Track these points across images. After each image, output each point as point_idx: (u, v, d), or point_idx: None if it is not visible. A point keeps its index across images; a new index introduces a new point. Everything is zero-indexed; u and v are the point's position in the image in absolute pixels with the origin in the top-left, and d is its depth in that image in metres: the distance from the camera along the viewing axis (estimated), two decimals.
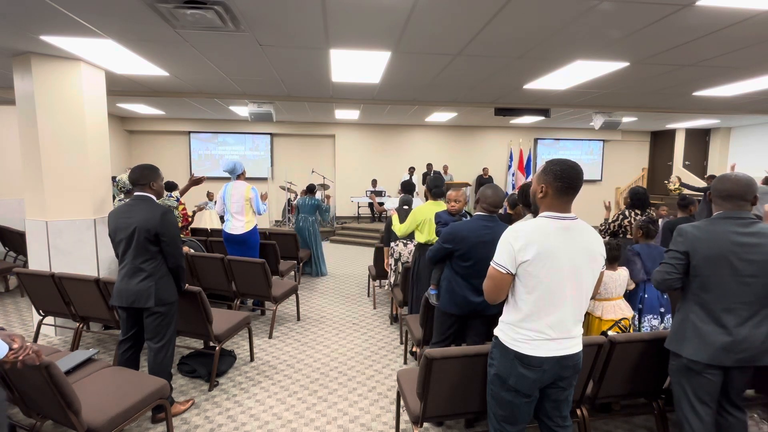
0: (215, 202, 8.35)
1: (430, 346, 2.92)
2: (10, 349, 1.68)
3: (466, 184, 9.86)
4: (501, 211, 2.74)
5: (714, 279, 1.92)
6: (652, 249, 3.09)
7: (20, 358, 1.74)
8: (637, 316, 3.01)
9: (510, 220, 4.98)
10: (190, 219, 5.26)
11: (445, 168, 10.84)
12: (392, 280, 4.58)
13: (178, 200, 4.87)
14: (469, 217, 3.11)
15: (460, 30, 3.29)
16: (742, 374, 2.01)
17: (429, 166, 10.57)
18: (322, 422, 2.80)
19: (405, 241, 4.45)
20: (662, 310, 2.99)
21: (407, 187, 5.02)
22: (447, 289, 2.72)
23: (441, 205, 3.68)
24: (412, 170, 10.58)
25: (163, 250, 2.66)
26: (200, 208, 7.32)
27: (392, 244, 4.55)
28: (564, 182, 1.67)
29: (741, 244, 1.88)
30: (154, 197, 2.72)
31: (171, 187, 5.27)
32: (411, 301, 3.81)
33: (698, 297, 1.99)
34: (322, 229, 9.87)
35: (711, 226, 1.96)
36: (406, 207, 4.56)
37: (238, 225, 4.71)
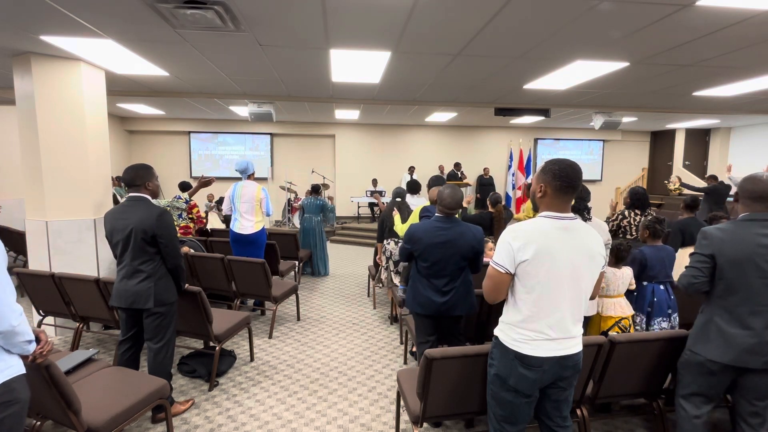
0: (216, 202, 8.38)
1: (417, 348, 2.91)
2: (37, 343, 1.69)
3: (467, 185, 9.86)
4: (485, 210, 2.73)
5: (740, 282, 1.91)
6: (660, 250, 3.04)
7: (44, 353, 1.75)
8: (645, 320, 3.00)
9: (491, 218, 4.99)
10: (204, 221, 5.25)
11: (441, 168, 10.82)
12: (383, 276, 4.58)
13: (187, 202, 4.87)
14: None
15: (460, 30, 3.29)
16: (761, 377, 1.97)
17: (457, 165, 10.55)
18: (322, 422, 2.80)
19: (397, 240, 4.44)
20: (670, 311, 2.99)
21: (413, 187, 5.02)
22: (411, 287, 2.73)
23: None
24: (412, 169, 10.57)
25: (161, 251, 2.65)
26: (211, 208, 7.32)
27: (384, 242, 4.56)
28: (563, 181, 1.67)
29: (767, 246, 1.87)
30: (149, 197, 2.70)
31: (185, 187, 5.27)
32: None
33: (723, 300, 1.97)
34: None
35: (736, 229, 1.94)
36: (399, 199, 4.57)
37: (247, 225, 4.70)
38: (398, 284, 3.02)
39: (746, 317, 1.92)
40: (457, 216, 2.71)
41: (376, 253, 5.03)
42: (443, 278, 2.62)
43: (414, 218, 3.73)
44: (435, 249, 2.57)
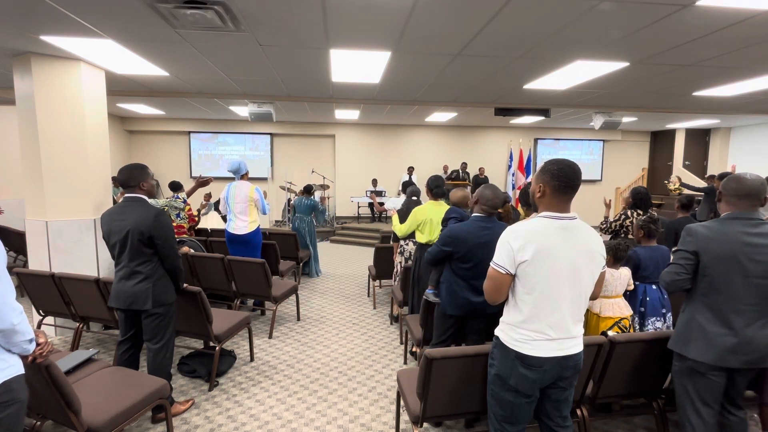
0: (214, 203, 8.37)
1: (430, 347, 2.91)
2: (37, 344, 1.68)
3: (467, 184, 9.86)
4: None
5: (723, 280, 1.91)
6: (654, 251, 3.04)
7: (44, 353, 1.75)
8: (638, 319, 3.00)
9: (499, 218, 4.98)
10: (196, 219, 5.25)
11: (446, 168, 10.85)
12: (400, 277, 4.55)
13: (185, 201, 4.86)
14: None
15: (460, 30, 3.29)
16: (745, 376, 2.01)
17: (463, 165, 10.53)
18: (322, 422, 2.81)
19: (415, 241, 4.40)
20: (664, 311, 2.98)
21: (416, 189, 5.00)
22: (448, 290, 2.71)
23: (442, 205, 3.67)
24: (411, 170, 10.58)
25: (159, 252, 2.64)
26: (204, 206, 7.30)
27: (401, 242, 4.51)
28: (561, 181, 1.67)
29: (751, 245, 1.88)
30: (146, 198, 2.69)
31: (176, 187, 5.25)
32: (412, 301, 3.81)
33: (706, 298, 1.97)
34: (322, 230, 9.88)
35: (721, 227, 1.95)
36: (414, 198, 4.52)
37: (241, 225, 4.70)
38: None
39: (728, 316, 1.92)
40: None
41: (381, 257, 5.03)
42: (482, 278, 2.61)
43: (415, 219, 3.71)
44: (479, 249, 2.56)
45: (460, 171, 10.47)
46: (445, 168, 10.77)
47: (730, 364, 1.93)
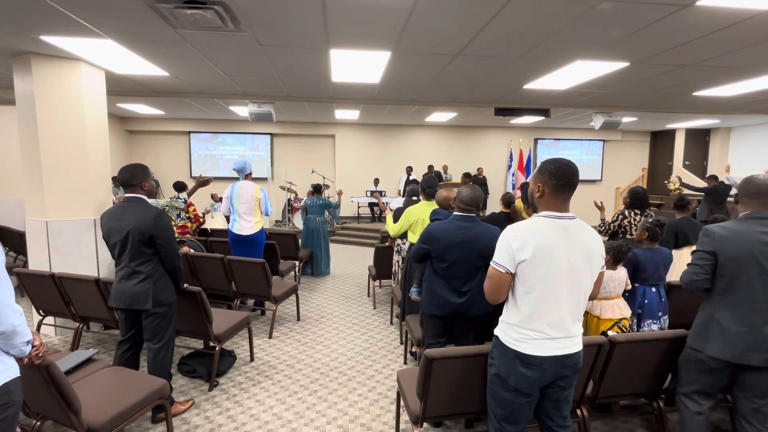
0: (219, 203, 8.37)
1: (423, 349, 2.91)
2: (33, 346, 1.69)
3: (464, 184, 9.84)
4: (497, 210, 2.71)
5: (740, 278, 1.94)
6: (655, 253, 3.03)
7: (40, 355, 1.75)
8: (635, 321, 3.00)
9: (508, 218, 4.98)
10: (201, 220, 5.25)
11: (445, 168, 10.85)
12: (399, 276, 4.55)
13: (186, 202, 4.86)
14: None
15: (460, 30, 3.29)
16: (764, 375, 1.98)
17: (430, 167, 10.56)
18: (322, 422, 2.81)
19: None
20: (660, 314, 2.98)
21: (416, 188, 5.02)
22: (427, 289, 2.71)
23: (433, 205, 3.67)
24: (409, 170, 10.58)
25: (159, 252, 2.64)
26: (207, 211, 7.31)
27: (398, 240, 4.52)
28: (559, 179, 1.68)
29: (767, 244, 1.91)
30: (146, 198, 2.69)
31: (181, 187, 5.25)
32: (404, 301, 3.80)
33: (724, 296, 2.01)
34: None
35: (737, 227, 1.98)
36: (414, 197, 4.54)
37: (246, 225, 4.70)
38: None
39: (746, 314, 1.95)
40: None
41: (381, 257, 5.04)
42: (461, 278, 2.60)
43: (408, 219, 3.71)
44: (454, 248, 2.55)
45: (430, 173, 10.43)
46: (445, 168, 10.77)
47: (750, 362, 1.95)
